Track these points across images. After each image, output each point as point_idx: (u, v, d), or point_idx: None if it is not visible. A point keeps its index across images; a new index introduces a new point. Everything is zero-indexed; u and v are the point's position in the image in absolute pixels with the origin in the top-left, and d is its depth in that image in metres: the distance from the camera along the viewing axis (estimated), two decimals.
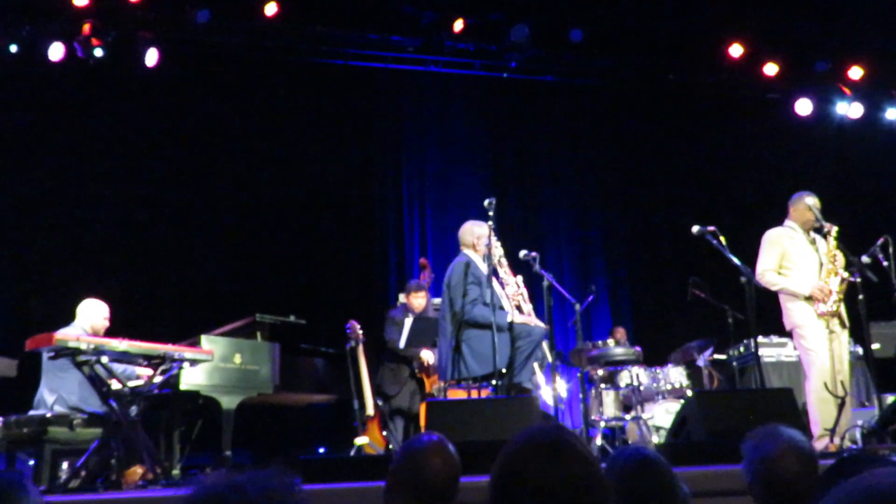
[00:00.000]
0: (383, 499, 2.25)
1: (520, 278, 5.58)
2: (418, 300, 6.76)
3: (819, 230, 5.40)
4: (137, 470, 4.58)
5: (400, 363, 6.70)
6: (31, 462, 5.25)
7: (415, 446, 2.28)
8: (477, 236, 5.45)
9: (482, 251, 5.39)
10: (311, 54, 8.78)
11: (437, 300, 6.22)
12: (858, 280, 5.16)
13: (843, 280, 5.24)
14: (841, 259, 5.30)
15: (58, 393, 5.12)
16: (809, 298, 5.25)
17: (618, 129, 10.12)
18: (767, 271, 5.39)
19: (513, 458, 1.40)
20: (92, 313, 5.46)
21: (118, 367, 4.80)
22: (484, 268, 5.30)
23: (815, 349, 5.16)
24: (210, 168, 8.51)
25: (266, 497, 0.98)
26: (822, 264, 5.33)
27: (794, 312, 5.31)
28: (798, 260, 5.37)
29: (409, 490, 2.19)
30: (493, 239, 5.25)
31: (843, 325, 5.27)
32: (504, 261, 5.51)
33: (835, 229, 5.34)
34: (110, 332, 5.20)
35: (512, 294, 5.47)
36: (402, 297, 7.08)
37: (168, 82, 8.24)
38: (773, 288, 5.39)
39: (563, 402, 7.01)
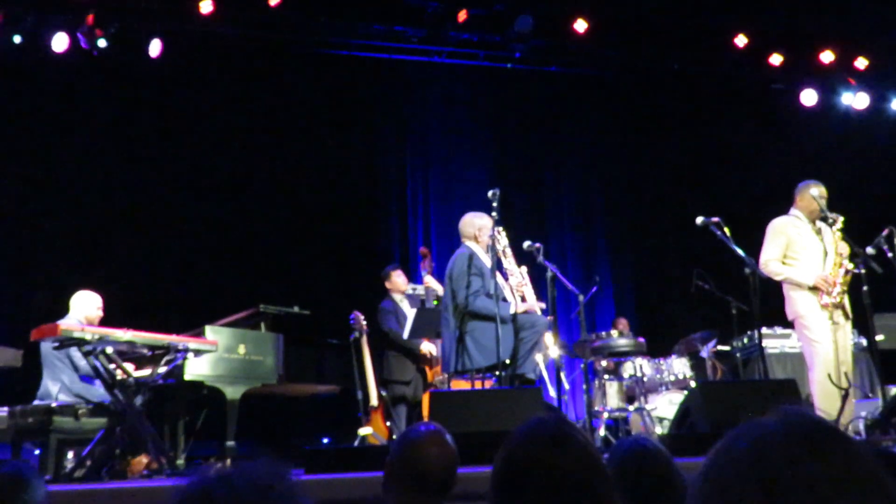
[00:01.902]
0: (382, 489, 2.26)
1: (524, 269, 5.57)
2: (400, 278, 7.00)
3: (824, 220, 5.37)
4: (142, 459, 4.61)
5: (404, 352, 6.73)
6: (37, 451, 5.29)
7: (411, 436, 2.28)
8: (478, 228, 5.44)
9: (484, 242, 5.38)
10: (315, 45, 8.77)
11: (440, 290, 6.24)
12: (863, 271, 5.14)
13: (847, 272, 5.22)
14: (846, 250, 5.26)
15: (60, 382, 5.15)
16: (813, 289, 5.22)
17: (622, 120, 10.10)
18: (771, 261, 5.35)
19: (514, 450, 1.40)
20: (86, 304, 5.49)
21: None
22: (486, 259, 5.30)
23: (818, 340, 5.13)
24: (214, 158, 8.51)
25: (255, 488, 0.97)
26: (826, 254, 5.30)
27: (798, 302, 5.27)
28: (802, 249, 5.33)
29: (406, 480, 2.19)
30: (498, 229, 5.25)
31: (846, 316, 5.25)
32: (508, 251, 5.51)
33: (840, 220, 5.31)
34: (115, 323, 5.21)
35: (516, 284, 5.47)
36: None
37: (172, 73, 8.23)
38: (777, 278, 5.35)
39: (567, 392, 7.02)
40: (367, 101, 9.38)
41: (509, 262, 5.50)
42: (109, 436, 4.53)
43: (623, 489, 1.97)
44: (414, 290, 7.07)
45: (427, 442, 2.23)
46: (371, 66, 9.09)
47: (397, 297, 6.95)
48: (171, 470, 4.47)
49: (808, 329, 5.19)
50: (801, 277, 5.24)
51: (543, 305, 5.40)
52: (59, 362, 5.16)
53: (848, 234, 5.29)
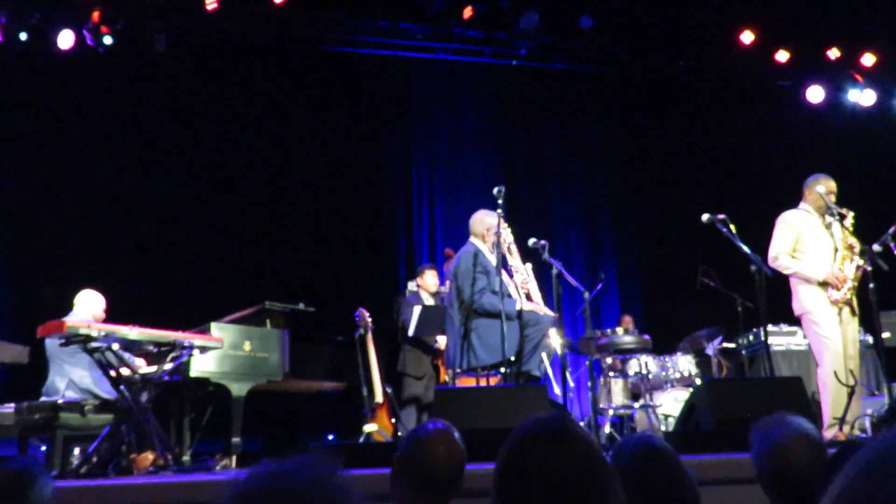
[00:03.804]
0: (389, 486, 2.26)
1: (529, 266, 5.57)
2: (433, 278, 7.02)
3: (832, 215, 5.32)
4: (148, 456, 4.62)
5: (419, 348, 6.75)
6: (43, 448, 5.31)
7: (419, 434, 2.27)
8: (487, 227, 5.44)
9: (491, 240, 5.39)
10: (320, 42, 8.78)
11: None
12: (870, 268, 5.11)
13: (858, 267, 5.17)
14: (857, 245, 5.22)
15: (68, 378, 5.17)
16: (823, 284, 5.18)
17: (627, 117, 10.08)
18: (781, 254, 5.28)
19: (516, 448, 1.40)
20: (93, 304, 5.52)
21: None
22: (491, 257, 5.30)
23: (828, 335, 5.08)
24: (219, 155, 8.53)
25: (315, 484, 0.98)
26: (836, 249, 5.25)
27: (806, 297, 5.21)
28: (812, 244, 5.27)
29: (414, 478, 2.19)
30: (503, 226, 5.24)
31: (853, 313, 5.21)
32: (514, 248, 5.50)
33: (851, 214, 5.28)
34: (121, 319, 5.23)
35: (520, 282, 5.46)
36: (411, 286, 7.19)
37: (177, 70, 8.25)
38: (787, 272, 5.29)
39: (572, 390, 7.02)
40: (371, 98, 9.38)
41: (515, 259, 5.50)
42: (115, 432, 4.55)
43: (628, 486, 1.97)
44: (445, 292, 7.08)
45: (435, 440, 2.23)
46: (376, 62, 9.09)
47: (424, 294, 6.97)
48: (176, 466, 4.48)
49: (817, 325, 5.14)
50: (812, 272, 5.18)
51: (552, 314, 5.36)
52: (69, 358, 5.17)
53: (856, 230, 5.27)
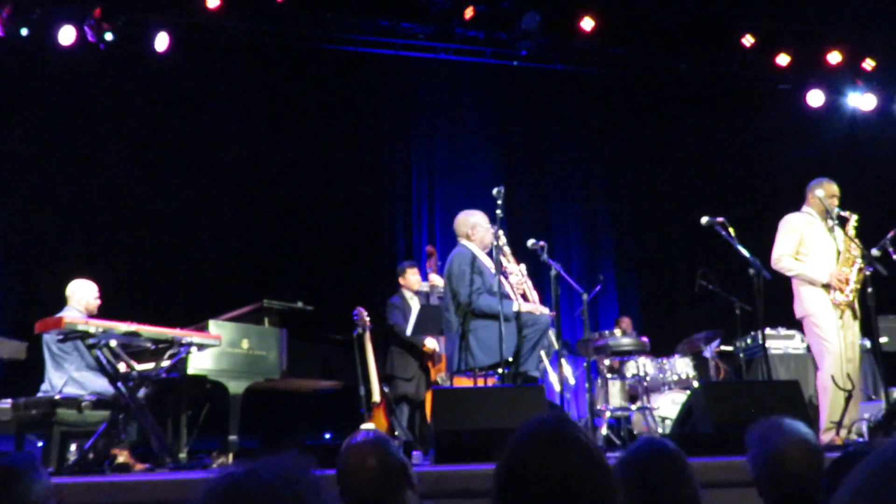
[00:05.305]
0: None
1: (523, 266, 5.56)
2: (415, 276, 6.97)
3: (832, 219, 5.33)
4: (119, 454, 4.63)
5: (407, 348, 6.74)
6: (40, 444, 5.30)
7: (341, 451, 2.27)
8: (471, 225, 5.42)
9: (479, 239, 5.37)
10: (321, 40, 8.77)
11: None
12: (869, 272, 5.12)
13: (860, 270, 5.18)
14: (858, 248, 5.22)
15: (67, 374, 5.16)
16: (826, 286, 5.18)
17: (628, 119, 10.08)
18: (784, 256, 5.28)
19: (515, 451, 1.40)
20: (86, 293, 5.51)
21: None
22: (484, 257, 5.30)
23: (829, 339, 5.08)
24: (218, 153, 8.52)
25: (282, 481, 0.99)
26: (839, 252, 5.26)
27: (808, 300, 5.21)
28: (815, 247, 5.27)
29: (345, 497, 2.18)
30: (496, 227, 5.22)
31: (854, 316, 5.21)
32: (507, 249, 5.48)
33: (854, 217, 5.28)
34: (119, 316, 5.23)
35: (515, 283, 5.45)
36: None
37: (178, 67, 8.24)
38: (789, 273, 5.29)
39: (570, 390, 7.01)
40: (372, 98, 9.38)
41: (508, 260, 5.48)
42: (112, 428, 4.54)
43: (636, 489, 1.97)
44: (430, 287, 7.05)
45: (347, 456, 2.21)
46: (377, 62, 9.09)
47: (408, 293, 6.95)
48: (173, 464, 4.47)
49: (818, 327, 5.15)
50: (815, 274, 5.19)
51: (551, 312, 5.35)
52: (66, 354, 5.16)
53: (857, 233, 5.28)
